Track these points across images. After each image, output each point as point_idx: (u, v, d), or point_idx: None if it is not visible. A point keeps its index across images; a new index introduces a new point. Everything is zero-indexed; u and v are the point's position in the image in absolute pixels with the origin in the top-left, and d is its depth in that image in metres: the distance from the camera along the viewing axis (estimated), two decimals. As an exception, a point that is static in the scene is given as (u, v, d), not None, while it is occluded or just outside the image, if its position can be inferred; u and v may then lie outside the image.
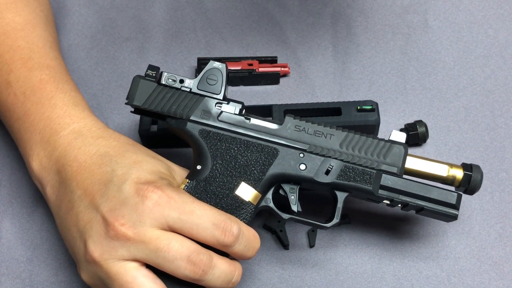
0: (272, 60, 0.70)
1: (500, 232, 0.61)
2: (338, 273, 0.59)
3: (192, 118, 0.53)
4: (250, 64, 0.69)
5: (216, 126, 0.53)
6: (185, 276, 0.47)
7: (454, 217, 0.53)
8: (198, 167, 0.52)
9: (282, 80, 0.70)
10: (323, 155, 0.53)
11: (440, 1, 0.76)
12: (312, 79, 0.70)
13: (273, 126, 0.53)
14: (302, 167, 0.52)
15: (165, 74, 0.53)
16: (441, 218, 0.54)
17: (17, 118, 0.56)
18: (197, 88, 0.53)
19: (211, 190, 0.51)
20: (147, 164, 0.50)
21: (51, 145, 0.54)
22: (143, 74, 0.52)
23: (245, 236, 0.49)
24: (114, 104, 0.68)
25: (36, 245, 0.60)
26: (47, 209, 0.62)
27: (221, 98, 0.53)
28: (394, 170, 0.53)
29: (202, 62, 0.69)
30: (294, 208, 0.53)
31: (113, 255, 0.47)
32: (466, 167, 0.54)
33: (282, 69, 0.69)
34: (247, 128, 0.53)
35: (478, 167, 0.54)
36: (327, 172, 0.53)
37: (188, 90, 0.53)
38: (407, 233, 0.61)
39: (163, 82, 0.53)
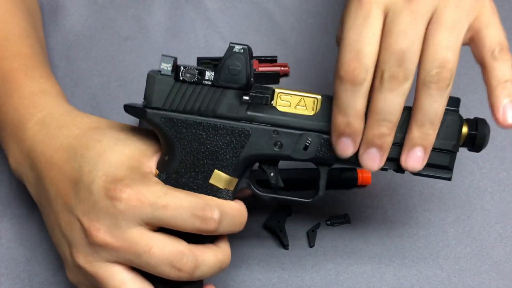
0: (272, 60, 0.70)
1: (500, 232, 0.61)
2: (338, 273, 0.59)
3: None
4: (250, 64, 0.69)
5: (178, 111, 0.48)
6: (172, 278, 0.46)
7: (448, 179, 0.49)
8: (166, 157, 0.48)
9: (282, 80, 0.70)
10: (299, 129, 0.48)
11: (440, 1, 0.76)
12: (312, 79, 0.70)
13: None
14: (277, 145, 0.48)
15: (182, 68, 0.47)
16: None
17: None
18: (219, 81, 0.47)
19: (184, 182, 0.48)
20: (113, 154, 0.47)
21: (20, 138, 0.51)
22: (156, 70, 0.48)
23: (229, 216, 0.47)
24: (114, 104, 0.68)
25: (35, 245, 0.60)
26: (47, 209, 0.62)
27: (248, 89, 0.47)
28: None
29: (202, 62, 0.68)
30: (275, 185, 0.50)
31: (97, 258, 0.46)
32: (470, 124, 0.49)
33: (282, 68, 0.69)
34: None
35: (483, 121, 0.49)
36: (306, 148, 0.48)
37: (209, 83, 0.47)
38: (407, 233, 0.61)
39: (181, 78, 0.47)
